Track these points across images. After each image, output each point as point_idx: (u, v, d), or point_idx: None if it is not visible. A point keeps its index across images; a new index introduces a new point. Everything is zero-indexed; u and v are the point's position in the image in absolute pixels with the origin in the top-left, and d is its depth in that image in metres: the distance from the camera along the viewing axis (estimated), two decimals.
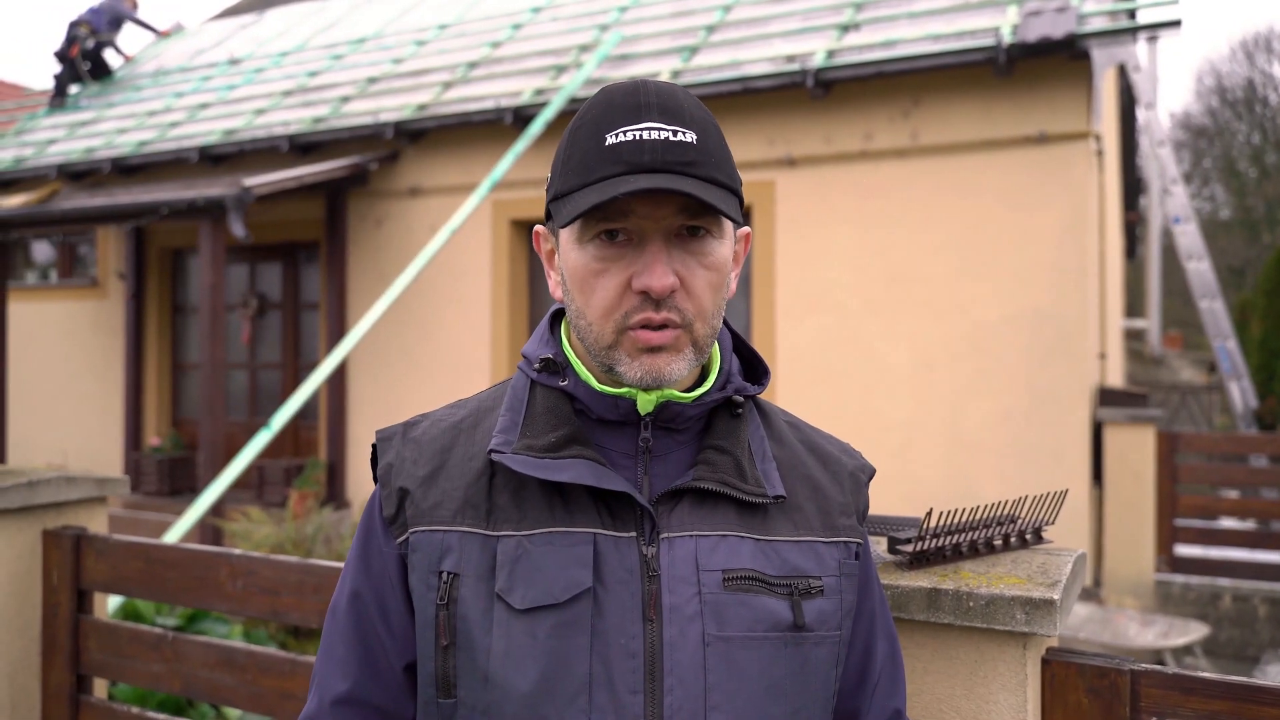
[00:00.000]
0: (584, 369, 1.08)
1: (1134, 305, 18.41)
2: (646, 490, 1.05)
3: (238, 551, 2.26)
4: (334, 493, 8.14)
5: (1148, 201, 13.55)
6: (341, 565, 2.02)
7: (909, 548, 1.47)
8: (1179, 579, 6.52)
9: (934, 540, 1.48)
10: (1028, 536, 1.58)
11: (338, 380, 8.14)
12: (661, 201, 0.99)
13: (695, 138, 1.00)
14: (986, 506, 1.54)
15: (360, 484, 8.14)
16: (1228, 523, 7.42)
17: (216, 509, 6.90)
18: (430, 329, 7.92)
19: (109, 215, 8.00)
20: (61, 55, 11.32)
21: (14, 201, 8.52)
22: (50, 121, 11.28)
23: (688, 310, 1.01)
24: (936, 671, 1.43)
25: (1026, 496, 1.58)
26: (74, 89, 11.78)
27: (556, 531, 1.02)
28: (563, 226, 1.02)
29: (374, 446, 1.13)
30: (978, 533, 1.52)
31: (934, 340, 6.29)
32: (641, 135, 0.98)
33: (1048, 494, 1.58)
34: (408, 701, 1.08)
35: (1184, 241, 8.72)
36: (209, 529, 7.09)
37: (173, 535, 4.84)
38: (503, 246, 7.70)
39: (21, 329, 10.14)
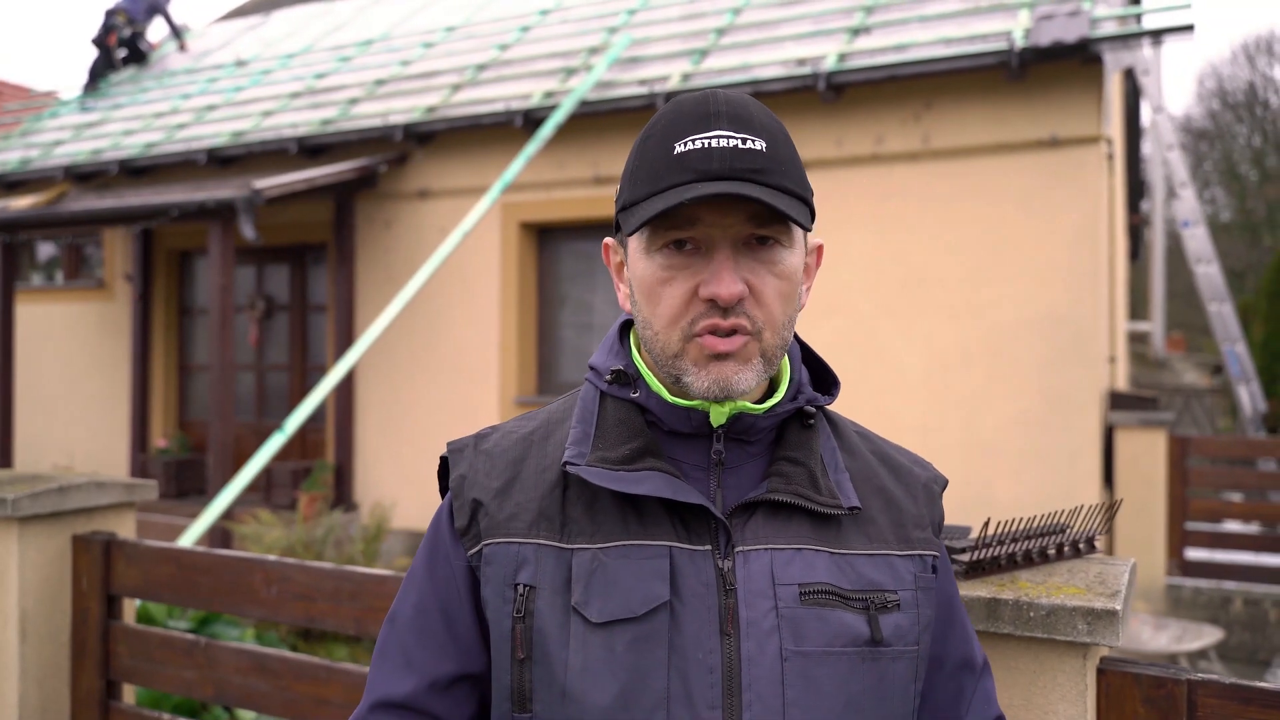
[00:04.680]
0: (655, 380, 1.07)
1: (1137, 308, 18.40)
2: (720, 503, 1.05)
3: (272, 558, 2.26)
4: (342, 495, 8.13)
5: (1150, 204, 13.55)
6: (364, 570, 2.15)
7: (965, 557, 1.47)
8: (1189, 583, 6.53)
9: (990, 550, 1.48)
10: (1080, 546, 1.58)
11: (345, 383, 8.12)
12: (729, 209, 0.99)
13: (765, 145, 0.99)
14: (1040, 516, 1.54)
15: (368, 486, 8.12)
16: (1234, 526, 7.43)
17: (226, 512, 6.88)
18: (439, 332, 7.91)
19: (119, 217, 7.99)
20: (99, 43, 11.45)
21: (23, 203, 8.50)
22: (56, 123, 11.27)
23: (757, 317, 1.01)
24: (994, 681, 1.43)
25: (1082, 506, 1.57)
26: (109, 77, 11.87)
27: (633, 544, 1.01)
28: (630, 234, 1.02)
29: (443, 459, 1.12)
30: (1032, 542, 1.52)
31: (949, 344, 6.29)
32: (710, 143, 0.98)
33: (1101, 504, 1.58)
34: (461, 712, 1.08)
35: (1193, 245, 8.72)
36: (218, 531, 7.07)
37: (188, 538, 4.83)
38: (512, 249, 7.69)
39: (28, 330, 10.12)
